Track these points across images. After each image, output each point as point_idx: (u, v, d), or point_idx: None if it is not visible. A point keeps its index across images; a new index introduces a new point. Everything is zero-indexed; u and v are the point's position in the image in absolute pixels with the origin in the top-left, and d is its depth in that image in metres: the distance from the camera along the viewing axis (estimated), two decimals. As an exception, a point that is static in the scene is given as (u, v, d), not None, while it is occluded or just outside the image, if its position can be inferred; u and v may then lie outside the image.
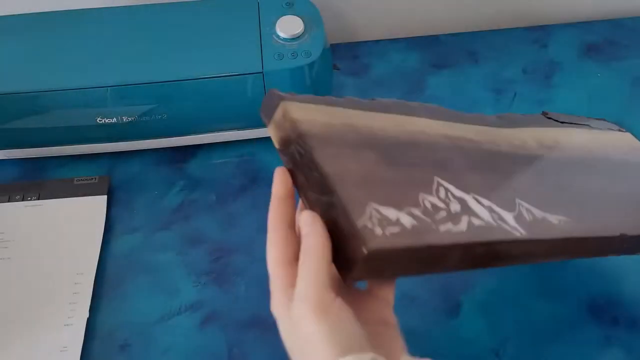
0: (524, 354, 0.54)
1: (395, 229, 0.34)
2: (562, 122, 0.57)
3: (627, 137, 0.62)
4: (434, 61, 0.77)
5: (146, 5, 0.66)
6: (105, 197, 0.64)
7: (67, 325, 0.56)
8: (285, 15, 0.63)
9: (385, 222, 0.34)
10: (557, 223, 0.43)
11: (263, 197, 0.65)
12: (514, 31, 0.80)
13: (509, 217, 0.41)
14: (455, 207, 0.39)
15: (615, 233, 0.46)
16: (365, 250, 0.32)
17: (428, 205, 0.37)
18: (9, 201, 0.64)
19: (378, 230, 0.33)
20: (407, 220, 0.35)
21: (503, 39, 0.79)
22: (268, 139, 0.68)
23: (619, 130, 0.62)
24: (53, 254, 0.60)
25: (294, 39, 0.62)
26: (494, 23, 0.81)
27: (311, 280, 0.33)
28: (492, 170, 0.44)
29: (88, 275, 0.59)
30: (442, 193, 0.39)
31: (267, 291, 0.58)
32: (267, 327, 0.57)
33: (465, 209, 0.39)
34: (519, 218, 0.41)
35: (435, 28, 0.81)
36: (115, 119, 0.62)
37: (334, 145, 0.38)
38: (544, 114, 0.58)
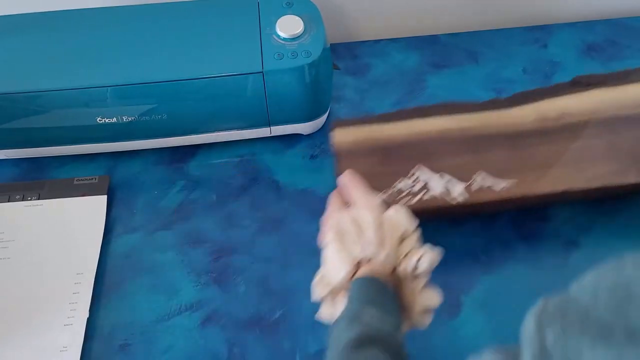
0: (524, 353, 0.54)
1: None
2: (587, 85, 0.63)
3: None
4: (434, 61, 0.77)
5: (146, 5, 0.66)
6: (105, 197, 0.64)
7: (67, 325, 0.56)
8: (285, 15, 0.63)
9: None
10: (499, 189, 0.57)
11: (263, 197, 0.65)
12: (514, 31, 0.80)
13: (458, 188, 0.57)
14: (417, 187, 0.58)
15: (557, 189, 0.57)
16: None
17: (397, 187, 0.58)
18: (9, 201, 0.64)
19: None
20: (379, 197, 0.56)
21: (503, 39, 0.79)
22: (268, 139, 0.69)
23: None
24: (53, 254, 0.60)
25: (294, 38, 0.62)
26: (494, 23, 0.81)
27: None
28: (471, 152, 0.59)
29: (88, 275, 0.59)
30: (413, 178, 0.58)
31: (267, 291, 0.58)
32: (267, 326, 0.57)
33: (424, 188, 0.58)
34: (468, 188, 0.57)
35: (435, 28, 0.81)
36: (115, 118, 0.62)
37: (351, 156, 0.59)
38: (575, 79, 0.64)
